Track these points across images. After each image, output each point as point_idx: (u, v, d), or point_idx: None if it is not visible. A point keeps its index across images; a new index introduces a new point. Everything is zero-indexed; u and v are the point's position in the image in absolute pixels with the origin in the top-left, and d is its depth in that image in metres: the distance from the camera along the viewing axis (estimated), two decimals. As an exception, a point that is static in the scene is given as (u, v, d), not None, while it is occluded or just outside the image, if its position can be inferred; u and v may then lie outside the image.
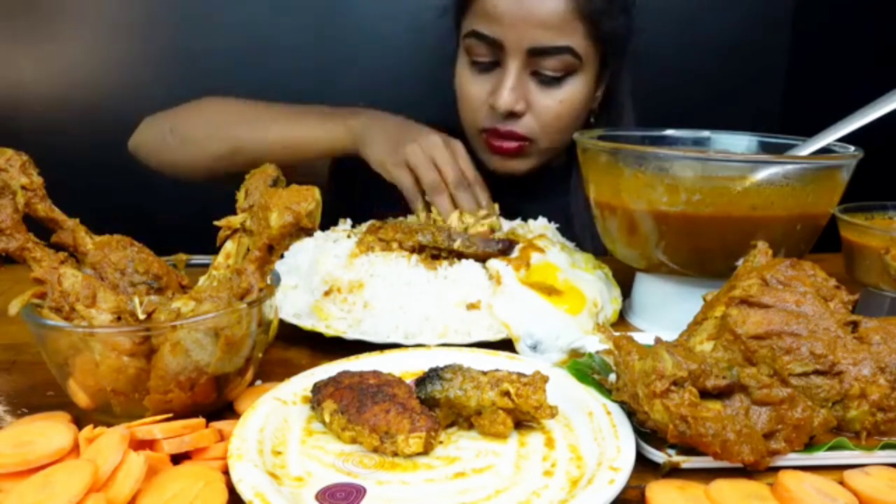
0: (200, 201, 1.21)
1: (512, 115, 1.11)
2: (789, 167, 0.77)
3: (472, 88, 1.14)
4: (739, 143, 0.98)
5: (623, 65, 1.21)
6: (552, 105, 1.11)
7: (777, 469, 0.55)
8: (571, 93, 1.11)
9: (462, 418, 0.61)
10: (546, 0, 1.04)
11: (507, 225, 0.99)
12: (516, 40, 1.06)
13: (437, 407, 0.60)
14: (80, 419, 0.60)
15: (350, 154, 1.11)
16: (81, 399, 0.61)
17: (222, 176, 1.16)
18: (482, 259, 0.86)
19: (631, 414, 0.60)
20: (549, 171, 1.23)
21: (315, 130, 1.12)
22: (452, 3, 1.17)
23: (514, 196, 1.11)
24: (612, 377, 0.65)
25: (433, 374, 0.61)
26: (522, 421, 0.60)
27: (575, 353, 0.75)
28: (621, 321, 0.90)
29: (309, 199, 0.62)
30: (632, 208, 0.82)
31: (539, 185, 1.22)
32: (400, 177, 1.04)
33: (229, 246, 0.69)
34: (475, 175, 1.04)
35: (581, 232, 1.17)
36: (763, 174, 0.76)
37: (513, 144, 1.13)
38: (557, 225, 1.02)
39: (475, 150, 1.19)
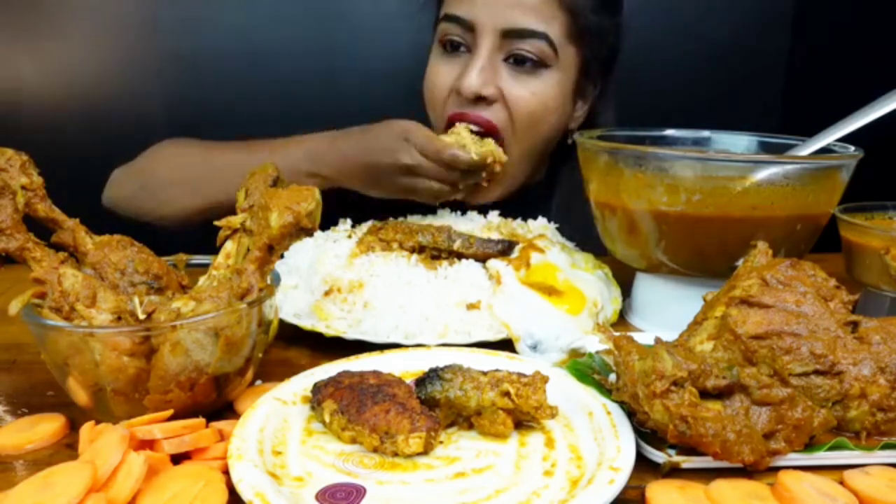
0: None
1: (481, 101, 1.04)
2: (789, 167, 0.77)
3: (439, 73, 1.08)
4: (739, 143, 0.98)
5: (607, 91, 1.17)
6: (524, 95, 1.05)
7: (777, 469, 0.55)
8: (545, 88, 1.06)
9: (462, 418, 0.61)
10: None
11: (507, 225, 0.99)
12: (490, 19, 1.02)
13: (437, 407, 0.60)
14: (78, 419, 0.60)
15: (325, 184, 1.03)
16: (81, 399, 0.62)
17: (202, 223, 1.13)
18: (482, 259, 0.86)
19: (631, 414, 0.60)
20: (525, 196, 1.17)
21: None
22: None
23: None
24: (612, 377, 0.65)
25: (433, 375, 0.61)
26: (522, 421, 0.60)
27: (575, 353, 0.75)
28: (621, 321, 0.90)
29: (309, 199, 0.62)
30: (632, 208, 0.82)
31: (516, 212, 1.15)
32: (418, 191, 0.98)
33: (229, 246, 0.69)
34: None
35: None
36: (763, 174, 0.76)
37: (482, 123, 1.04)
38: (557, 225, 1.02)
39: None
